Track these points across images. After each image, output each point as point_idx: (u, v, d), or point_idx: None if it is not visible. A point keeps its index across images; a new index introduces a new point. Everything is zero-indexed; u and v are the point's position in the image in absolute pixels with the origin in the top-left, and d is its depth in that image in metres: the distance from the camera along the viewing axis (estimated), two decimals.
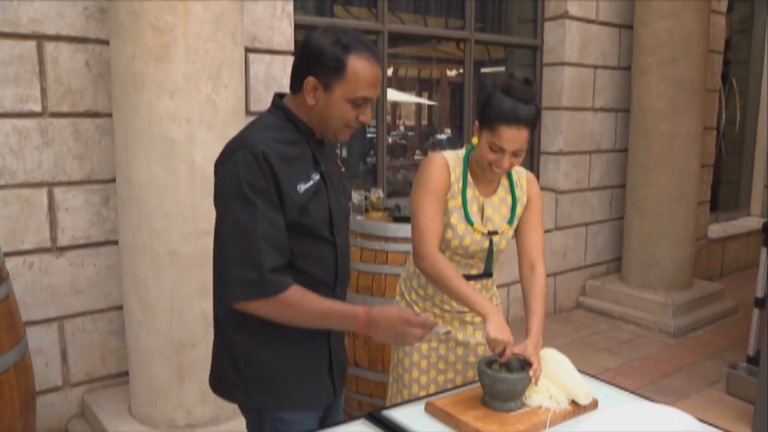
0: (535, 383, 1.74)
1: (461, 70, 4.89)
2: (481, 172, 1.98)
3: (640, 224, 5.15)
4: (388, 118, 4.82)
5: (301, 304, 1.48)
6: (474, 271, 2.07)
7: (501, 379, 1.68)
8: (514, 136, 1.82)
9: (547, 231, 5.12)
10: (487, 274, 2.09)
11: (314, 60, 1.50)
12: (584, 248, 5.47)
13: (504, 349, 1.74)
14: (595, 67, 5.22)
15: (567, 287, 5.38)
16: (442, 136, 6.06)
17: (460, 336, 2.12)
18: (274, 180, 1.45)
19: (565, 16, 4.96)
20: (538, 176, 5.26)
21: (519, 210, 2.07)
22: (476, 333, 2.13)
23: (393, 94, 11.43)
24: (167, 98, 2.59)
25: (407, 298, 2.17)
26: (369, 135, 4.74)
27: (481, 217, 2.02)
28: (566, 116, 5.09)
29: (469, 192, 2.00)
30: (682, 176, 4.99)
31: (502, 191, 2.06)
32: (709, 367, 4.21)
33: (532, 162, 5.28)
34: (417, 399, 1.85)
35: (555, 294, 5.31)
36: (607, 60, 5.29)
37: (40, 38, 2.86)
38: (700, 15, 4.83)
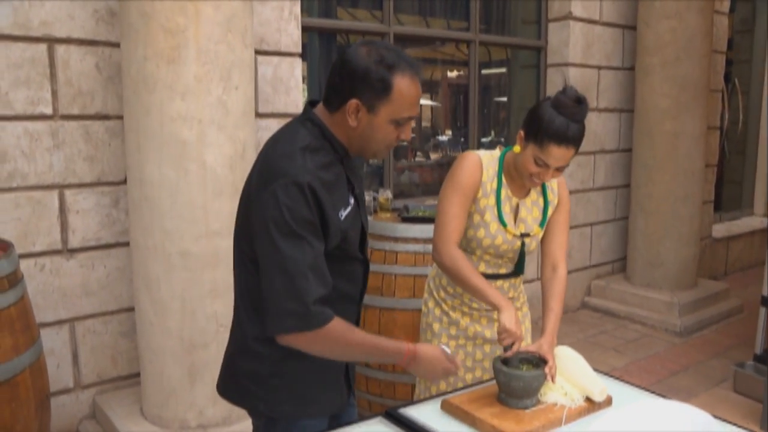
0: (552, 381, 1.75)
1: (463, 72, 4.90)
2: (518, 178, 2.00)
3: (644, 224, 5.16)
4: None
5: (345, 338, 1.47)
6: (503, 270, 2.10)
7: (517, 377, 1.69)
8: (561, 155, 1.83)
9: None
10: (516, 273, 2.12)
11: (358, 81, 1.43)
12: (589, 248, 5.48)
13: (512, 344, 1.77)
14: (599, 67, 5.23)
15: (572, 287, 5.38)
16: (444, 138, 6.08)
17: (487, 333, 2.14)
18: (319, 210, 1.42)
19: (569, 17, 4.98)
20: None
21: (550, 212, 2.09)
22: None
23: None
24: (179, 100, 2.61)
25: (435, 296, 2.19)
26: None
27: (514, 218, 2.04)
28: None
29: (503, 192, 2.02)
30: (687, 175, 5.00)
31: (535, 194, 2.08)
32: (716, 365, 4.22)
33: None
34: (444, 394, 1.86)
35: None
36: (610, 60, 5.30)
37: (51, 41, 2.88)
38: (703, 15, 4.85)
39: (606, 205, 5.53)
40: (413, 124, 1.61)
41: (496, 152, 2.06)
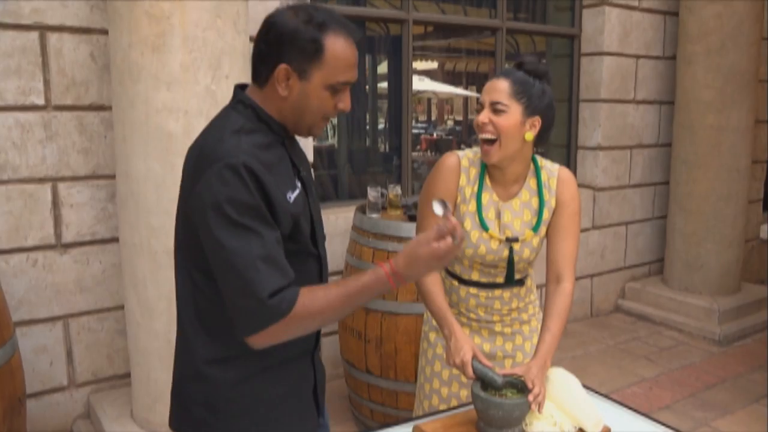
0: (539, 411, 1.54)
1: (499, 63, 4.65)
2: (498, 170, 1.81)
3: (684, 223, 4.83)
4: (435, 113, 4.61)
5: (319, 307, 1.27)
6: (500, 279, 1.89)
7: (495, 404, 1.49)
8: (491, 85, 1.74)
9: (583, 230, 4.85)
10: (512, 282, 1.90)
11: (286, 44, 1.28)
12: (624, 248, 5.17)
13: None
14: (637, 56, 4.90)
15: (605, 289, 5.09)
16: None
17: (487, 347, 1.95)
18: (262, 191, 1.25)
19: (605, 2, 4.67)
20: (574, 172, 4.98)
21: (546, 215, 1.85)
22: (506, 344, 1.96)
23: (432, 86, 11.16)
24: (164, 90, 2.48)
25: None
26: (415, 131, 4.52)
27: (498, 223, 1.83)
28: (605, 109, 4.80)
29: (485, 196, 1.83)
30: (731, 173, 4.65)
31: (527, 194, 1.85)
32: (757, 379, 3.89)
33: (569, 157, 5.01)
34: (438, 412, 1.72)
35: (592, 296, 5.03)
36: (650, 49, 4.96)
37: (43, 29, 2.79)
38: None
39: (643, 203, 5.21)
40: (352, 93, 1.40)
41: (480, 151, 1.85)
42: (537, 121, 1.74)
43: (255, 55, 1.34)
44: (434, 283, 1.83)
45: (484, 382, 1.57)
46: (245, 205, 1.23)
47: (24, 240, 2.85)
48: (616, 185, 5.00)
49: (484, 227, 1.80)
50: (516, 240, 1.82)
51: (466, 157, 1.86)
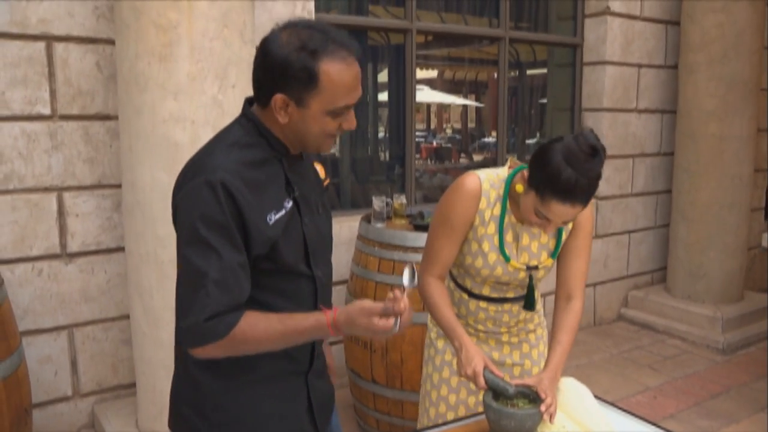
0: (550, 421, 1.54)
1: (514, 72, 4.66)
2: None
3: (686, 232, 4.83)
4: (435, 121, 4.63)
5: (256, 335, 1.27)
6: (510, 294, 1.88)
7: (508, 415, 1.49)
8: (565, 213, 1.58)
9: None
10: (531, 308, 1.89)
11: (278, 74, 1.24)
12: (627, 257, 5.17)
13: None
14: (639, 65, 4.92)
15: (607, 298, 5.09)
16: (490, 139, 5.82)
17: (495, 355, 1.95)
18: (237, 213, 1.24)
19: (607, 12, 4.69)
20: None
21: (564, 237, 1.83)
22: (513, 353, 1.97)
23: (433, 96, 11.19)
24: (171, 99, 2.48)
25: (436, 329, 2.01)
26: (418, 139, 4.52)
27: (516, 246, 1.81)
28: (608, 118, 4.81)
29: (506, 219, 1.78)
30: (733, 181, 4.66)
31: None
32: (762, 388, 3.88)
33: None
34: (445, 423, 1.71)
35: (594, 305, 5.03)
36: (652, 58, 4.98)
37: (50, 39, 2.80)
38: (754, 8, 4.50)
39: (645, 211, 5.21)
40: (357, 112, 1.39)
41: (503, 172, 1.80)
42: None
43: (253, 79, 1.32)
44: (440, 295, 1.82)
45: (495, 392, 1.57)
46: (215, 222, 1.23)
47: (29, 249, 2.85)
48: (619, 194, 5.00)
49: (504, 255, 1.77)
50: (536, 268, 1.80)
51: (488, 179, 1.78)
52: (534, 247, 1.81)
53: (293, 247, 1.36)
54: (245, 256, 1.27)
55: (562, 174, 1.51)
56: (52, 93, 2.83)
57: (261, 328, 1.28)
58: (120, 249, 3.03)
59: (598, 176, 1.55)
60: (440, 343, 2.00)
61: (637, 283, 5.27)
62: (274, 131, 1.34)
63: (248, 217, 1.26)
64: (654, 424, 1.76)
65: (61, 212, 2.90)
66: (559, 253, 1.85)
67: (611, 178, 4.91)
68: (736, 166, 4.64)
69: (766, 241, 5.77)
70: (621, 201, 5.03)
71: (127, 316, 3.06)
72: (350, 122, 1.33)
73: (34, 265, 2.87)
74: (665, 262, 5.21)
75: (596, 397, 1.80)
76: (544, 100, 5.30)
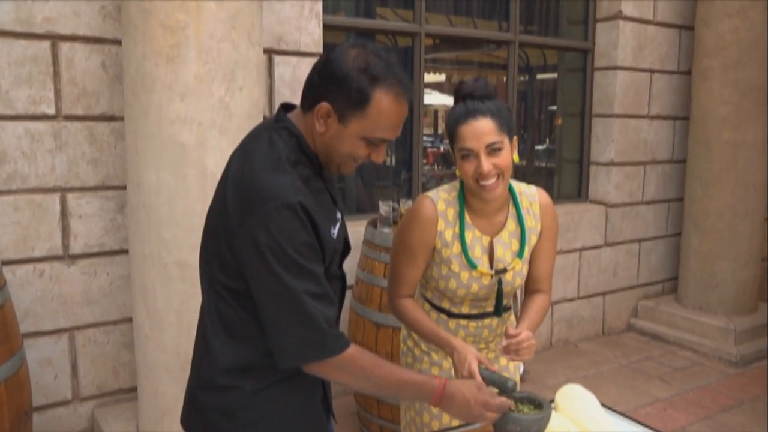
0: (526, 355, 1.61)
1: (523, 77, 4.60)
2: (480, 203, 1.76)
3: (699, 241, 4.76)
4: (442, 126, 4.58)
5: (371, 367, 1.38)
6: (489, 308, 1.86)
7: (513, 420, 1.47)
8: (474, 130, 1.64)
9: (595, 247, 4.79)
10: (500, 313, 1.87)
11: (334, 84, 1.28)
12: (637, 266, 5.09)
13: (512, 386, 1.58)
14: (652, 71, 4.86)
15: (617, 308, 5.01)
16: None
17: None
18: (315, 231, 1.30)
19: (619, 16, 4.63)
20: (587, 188, 4.94)
21: (533, 240, 1.83)
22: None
23: (441, 100, 11.12)
24: (178, 101, 2.44)
25: (414, 335, 1.95)
26: (425, 144, 4.48)
27: (490, 258, 1.79)
28: (618, 124, 4.75)
29: (468, 235, 1.77)
30: (747, 189, 4.58)
31: (512, 224, 1.81)
32: None
33: (581, 173, 4.95)
34: (448, 430, 1.70)
35: (604, 314, 4.95)
36: (664, 63, 4.92)
37: (55, 38, 2.77)
38: None
39: (656, 220, 5.14)
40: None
41: (456, 185, 1.81)
42: (515, 140, 1.73)
43: (307, 81, 1.35)
44: (415, 309, 1.81)
45: (495, 387, 1.55)
46: (305, 244, 1.28)
47: (31, 251, 2.82)
48: (629, 202, 4.94)
49: (472, 266, 1.75)
50: (504, 271, 1.79)
51: (441, 200, 1.78)
52: (508, 257, 1.80)
53: (339, 255, 1.45)
54: (322, 267, 1.34)
55: (455, 108, 1.69)
56: (57, 93, 2.80)
57: (371, 360, 1.39)
58: (123, 251, 2.99)
59: (490, 95, 1.67)
60: (417, 351, 1.96)
61: (648, 292, 5.19)
62: (309, 141, 1.37)
63: (322, 234, 1.31)
64: None
65: (64, 213, 2.87)
66: (529, 257, 1.86)
67: (621, 185, 4.84)
68: (750, 174, 4.57)
69: None
70: (632, 209, 4.96)
71: (129, 320, 3.03)
72: (379, 156, 1.37)
73: (36, 266, 2.84)
74: (676, 271, 5.13)
75: (606, 406, 1.77)
76: (554, 106, 5.24)
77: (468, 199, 1.78)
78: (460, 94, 1.69)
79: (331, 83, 1.28)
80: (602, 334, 4.95)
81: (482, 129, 1.63)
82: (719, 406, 3.78)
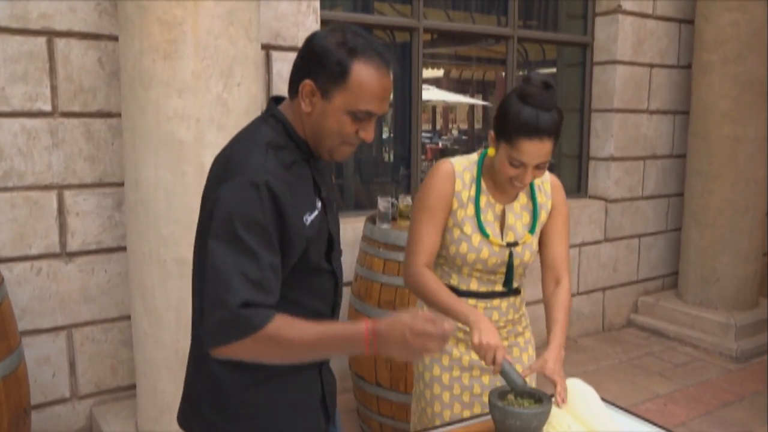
0: (562, 402, 1.56)
1: (510, 71, 4.58)
2: (500, 184, 1.80)
3: (699, 236, 4.74)
4: (440, 121, 4.55)
5: (290, 335, 1.24)
6: (498, 288, 1.87)
7: (513, 414, 1.47)
8: (535, 150, 1.64)
9: (595, 242, 4.78)
10: (512, 291, 1.88)
11: (315, 61, 1.31)
12: (637, 261, 5.08)
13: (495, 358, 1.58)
14: (651, 65, 4.84)
15: (617, 303, 5.01)
16: None
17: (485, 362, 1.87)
18: (277, 215, 1.26)
19: (618, 10, 4.61)
20: (586, 183, 4.93)
21: (543, 217, 1.88)
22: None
23: (440, 95, 11.08)
24: (175, 97, 2.43)
25: None
26: (423, 140, 4.48)
27: (501, 226, 1.84)
28: (618, 119, 4.73)
29: (483, 199, 1.82)
30: (748, 184, 4.57)
31: (524, 197, 1.88)
32: None
33: (580, 168, 4.94)
34: (442, 426, 1.69)
35: (603, 310, 4.95)
36: (664, 58, 4.90)
37: (51, 34, 2.75)
38: None
39: (656, 215, 5.12)
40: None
41: (474, 156, 1.87)
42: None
43: (292, 68, 1.37)
44: (436, 281, 1.77)
45: (506, 380, 1.55)
46: (254, 223, 1.24)
47: (28, 248, 2.80)
48: (629, 197, 4.92)
49: (483, 232, 1.79)
50: (516, 244, 1.82)
51: (459, 163, 1.84)
52: (519, 227, 1.84)
53: (320, 245, 1.40)
54: (279, 258, 1.28)
55: (522, 113, 1.63)
56: (53, 89, 2.78)
57: (295, 328, 1.26)
58: (121, 248, 2.98)
59: (556, 107, 1.65)
60: (426, 358, 1.94)
61: (648, 288, 5.19)
62: (299, 130, 1.37)
63: (289, 219, 1.28)
64: (662, 427, 1.70)
65: (61, 210, 2.85)
66: (541, 238, 1.88)
67: (621, 180, 4.83)
68: (751, 168, 4.56)
69: None
70: (631, 204, 4.94)
71: (127, 317, 3.02)
72: (368, 133, 1.35)
73: (33, 264, 2.82)
74: (676, 267, 5.12)
75: (606, 400, 1.76)
76: None
77: (485, 172, 1.83)
78: (527, 98, 1.65)
79: (312, 60, 1.31)
80: (602, 330, 4.95)
81: (543, 150, 1.65)
82: (720, 401, 3.77)
